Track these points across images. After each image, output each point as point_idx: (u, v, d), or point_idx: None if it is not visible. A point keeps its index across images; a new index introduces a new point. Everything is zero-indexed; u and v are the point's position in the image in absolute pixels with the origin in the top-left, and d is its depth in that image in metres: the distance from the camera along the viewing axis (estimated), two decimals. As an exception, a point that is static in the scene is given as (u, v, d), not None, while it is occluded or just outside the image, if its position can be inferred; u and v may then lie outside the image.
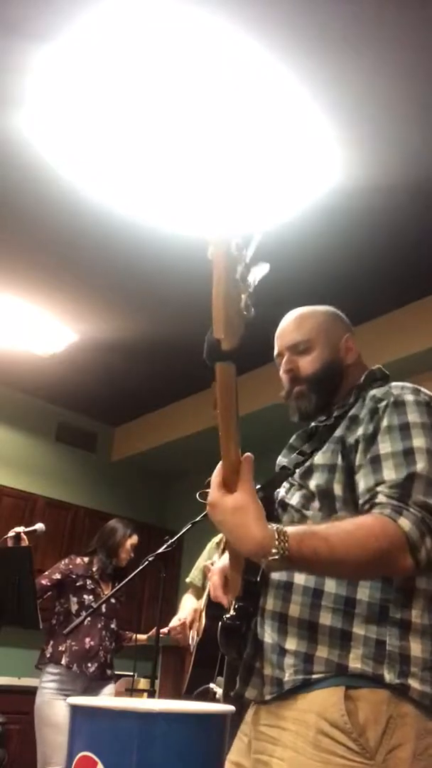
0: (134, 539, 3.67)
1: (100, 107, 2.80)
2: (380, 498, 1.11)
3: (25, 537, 3.35)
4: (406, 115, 2.76)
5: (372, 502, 1.12)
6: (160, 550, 2.75)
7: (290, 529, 1.03)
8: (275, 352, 1.46)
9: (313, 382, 1.38)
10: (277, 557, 1.00)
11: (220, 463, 1.06)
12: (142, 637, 3.74)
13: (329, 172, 3.10)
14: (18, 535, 3.34)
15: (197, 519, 2.53)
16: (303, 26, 2.39)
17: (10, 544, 3.33)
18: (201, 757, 0.72)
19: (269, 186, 3.18)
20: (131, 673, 3.88)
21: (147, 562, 2.78)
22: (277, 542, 1.00)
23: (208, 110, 2.75)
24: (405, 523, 1.06)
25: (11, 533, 3.34)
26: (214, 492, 1.05)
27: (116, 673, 4.00)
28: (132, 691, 4.26)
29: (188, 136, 2.89)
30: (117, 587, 3.18)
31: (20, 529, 3.38)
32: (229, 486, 1.04)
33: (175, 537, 2.76)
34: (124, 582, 2.94)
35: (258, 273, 0.95)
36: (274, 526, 1.03)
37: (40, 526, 3.53)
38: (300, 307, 1.47)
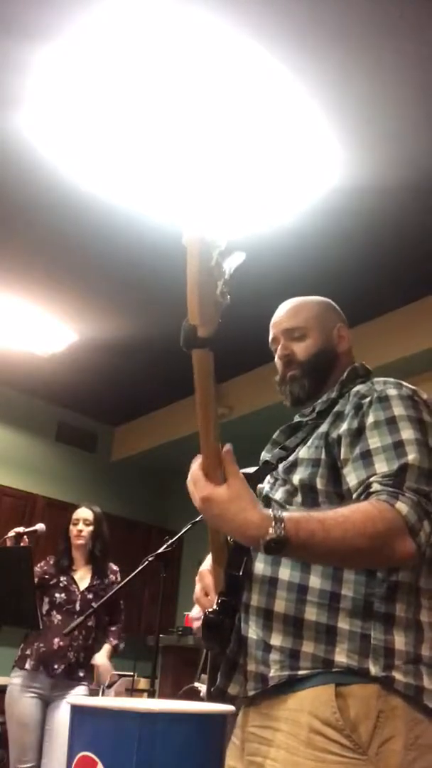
0: (78, 513, 3.53)
1: (100, 107, 2.80)
2: (375, 486, 1.11)
3: (25, 537, 3.34)
4: (408, 116, 2.77)
5: (367, 492, 1.12)
6: (160, 550, 2.75)
7: (286, 513, 1.04)
8: (270, 338, 1.49)
9: (307, 368, 1.41)
10: (275, 540, 1.00)
11: (199, 456, 1.06)
12: (98, 662, 3.35)
13: (330, 173, 3.10)
14: (18, 535, 3.33)
15: (197, 519, 2.52)
16: (304, 27, 2.39)
17: (9, 544, 3.32)
18: (201, 757, 0.72)
19: (271, 186, 3.19)
20: (131, 673, 3.88)
21: (147, 562, 2.77)
22: (274, 525, 1.00)
23: (209, 111, 2.75)
24: (402, 506, 1.06)
25: (11, 533, 3.33)
26: (204, 486, 1.04)
27: (117, 672, 3.97)
28: (132, 691, 4.26)
29: (190, 137, 2.89)
30: (94, 584, 3.11)
31: (20, 529, 3.36)
32: (211, 477, 1.05)
33: (175, 537, 2.75)
34: (123, 582, 2.92)
35: (234, 260, 0.95)
36: (270, 511, 1.03)
37: (40, 526, 3.51)
38: (295, 297, 1.51)
